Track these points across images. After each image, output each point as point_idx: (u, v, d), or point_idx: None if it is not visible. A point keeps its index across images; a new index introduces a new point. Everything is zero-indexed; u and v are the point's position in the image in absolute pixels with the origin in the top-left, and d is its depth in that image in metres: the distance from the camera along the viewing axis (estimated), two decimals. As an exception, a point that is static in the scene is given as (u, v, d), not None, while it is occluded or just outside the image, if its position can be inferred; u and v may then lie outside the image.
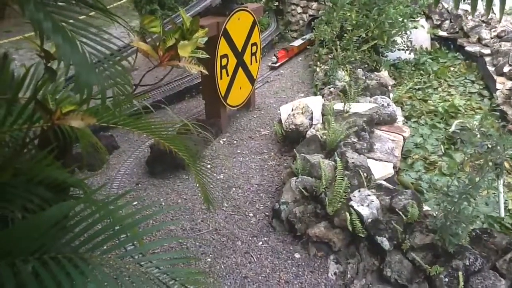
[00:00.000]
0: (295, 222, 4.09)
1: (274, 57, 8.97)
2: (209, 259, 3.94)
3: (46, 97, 2.00)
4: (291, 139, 5.60)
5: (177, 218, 4.48)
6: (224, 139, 6.04)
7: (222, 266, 3.88)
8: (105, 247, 1.78)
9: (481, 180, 3.37)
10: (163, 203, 4.70)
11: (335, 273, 3.80)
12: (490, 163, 3.52)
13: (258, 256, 3.99)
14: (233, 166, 5.36)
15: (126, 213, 1.98)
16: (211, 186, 4.50)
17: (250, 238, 4.20)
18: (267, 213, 4.51)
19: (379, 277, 3.72)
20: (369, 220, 3.79)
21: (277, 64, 8.77)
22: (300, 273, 3.81)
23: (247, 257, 3.98)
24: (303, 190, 4.23)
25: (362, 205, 3.88)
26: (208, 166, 5.16)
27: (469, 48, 8.75)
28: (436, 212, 3.78)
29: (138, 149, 5.76)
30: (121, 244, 1.87)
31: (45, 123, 1.82)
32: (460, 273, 3.39)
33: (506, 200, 4.71)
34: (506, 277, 3.46)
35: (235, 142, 5.98)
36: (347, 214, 3.80)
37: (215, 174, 5.11)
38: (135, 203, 4.33)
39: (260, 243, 4.15)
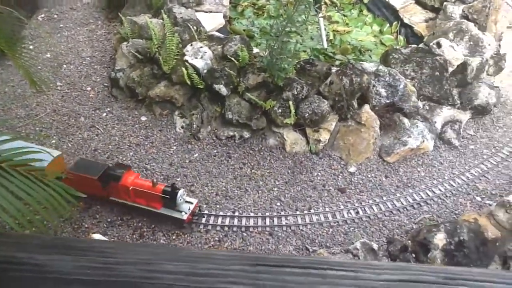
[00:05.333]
0: (134, 87, 4.08)
1: None
2: (53, 141, 3.83)
3: None
4: (116, 4, 5.25)
5: (9, 108, 4.16)
6: (43, 15, 5.45)
7: (69, 144, 3.82)
8: None
9: (295, 14, 3.60)
10: (-13, 96, 4.29)
11: (182, 127, 3.99)
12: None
13: (105, 127, 3.98)
14: (58, 42, 4.95)
15: None
16: (39, 67, 4.20)
17: (93, 112, 4.12)
18: (105, 84, 4.40)
19: (222, 122, 4.01)
20: (205, 71, 3.94)
21: None
22: (149, 134, 3.93)
23: (94, 131, 3.95)
24: (136, 54, 4.15)
25: (196, 58, 3.97)
26: (31, 47, 4.71)
27: None
28: (264, 53, 4.04)
29: None
30: None
31: None
32: (290, 102, 3.81)
33: (328, 33, 5.13)
34: (328, 98, 3.97)
35: (55, 16, 5.44)
36: (183, 69, 3.88)
37: (40, 54, 4.70)
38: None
39: (104, 114, 4.11)
